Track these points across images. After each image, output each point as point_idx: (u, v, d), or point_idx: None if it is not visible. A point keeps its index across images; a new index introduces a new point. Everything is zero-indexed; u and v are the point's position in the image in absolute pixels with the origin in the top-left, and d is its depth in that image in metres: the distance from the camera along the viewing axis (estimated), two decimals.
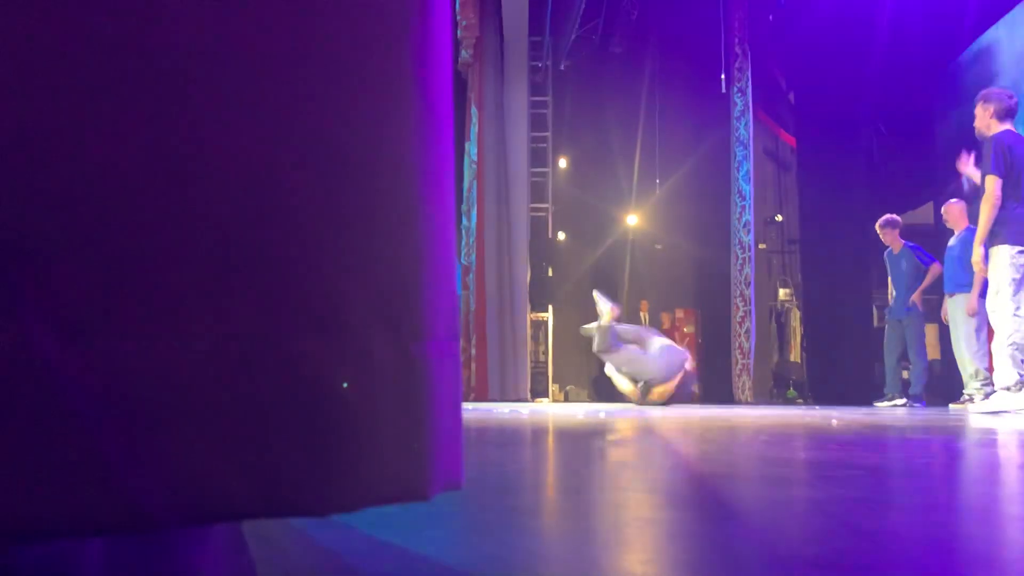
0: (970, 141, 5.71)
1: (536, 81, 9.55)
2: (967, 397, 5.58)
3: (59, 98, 0.36)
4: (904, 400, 6.39)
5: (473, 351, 8.33)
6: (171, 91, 0.39)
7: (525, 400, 8.46)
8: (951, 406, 5.84)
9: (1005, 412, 4.06)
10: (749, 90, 8.79)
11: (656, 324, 10.69)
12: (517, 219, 8.82)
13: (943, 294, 5.94)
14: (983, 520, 0.85)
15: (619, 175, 11.14)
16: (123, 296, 0.37)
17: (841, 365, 8.61)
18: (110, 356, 0.36)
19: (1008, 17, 7.08)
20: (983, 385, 5.19)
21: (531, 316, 8.98)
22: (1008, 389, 4.09)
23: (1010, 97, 4.42)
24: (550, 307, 9.14)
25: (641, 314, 10.70)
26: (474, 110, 8.70)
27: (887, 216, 6.52)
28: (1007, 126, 4.32)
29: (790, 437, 2.20)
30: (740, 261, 8.70)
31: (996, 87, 4.69)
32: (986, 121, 4.34)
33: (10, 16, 0.36)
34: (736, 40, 8.85)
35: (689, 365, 6.48)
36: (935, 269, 6.15)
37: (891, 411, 5.08)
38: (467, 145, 8.69)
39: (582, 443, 2.04)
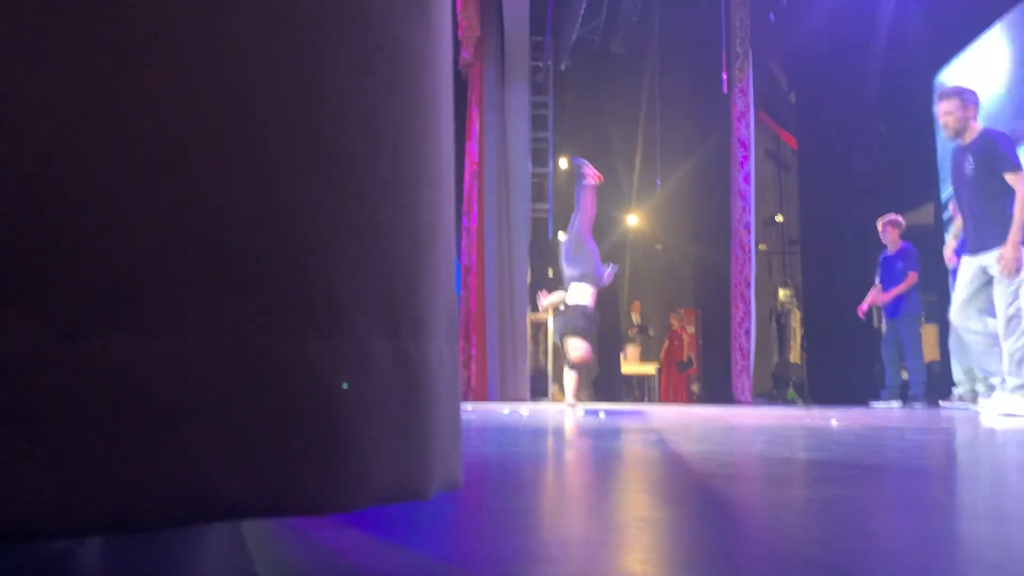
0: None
1: (537, 81, 9.55)
2: (958, 396, 5.60)
3: (59, 97, 0.36)
4: (900, 402, 6.39)
5: (473, 351, 8.33)
6: (173, 91, 0.39)
7: (525, 400, 8.45)
8: (942, 403, 5.85)
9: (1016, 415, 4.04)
10: (750, 90, 8.78)
11: (663, 324, 10.71)
12: (517, 219, 8.82)
13: (939, 296, 5.95)
14: (984, 520, 0.85)
15: (619, 175, 11.14)
16: (123, 296, 0.37)
17: (841, 366, 8.60)
18: (110, 356, 0.36)
19: (1007, 17, 7.09)
20: (989, 388, 5.18)
21: (531, 317, 8.98)
22: None
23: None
24: (550, 308, 9.14)
25: (633, 315, 10.72)
26: (474, 110, 8.70)
27: (892, 216, 6.54)
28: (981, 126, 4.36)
29: (790, 439, 2.20)
30: (740, 261, 8.69)
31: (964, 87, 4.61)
32: (968, 120, 4.30)
33: (8, 16, 0.36)
34: (737, 40, 8.85)
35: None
36: (912, 277, 6.23)
37: (887, 411, 5.08)
38: (467, 145, 8.69)
39: (581, 443, 2.04)
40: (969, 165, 4.32)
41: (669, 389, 10.49)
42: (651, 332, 10.82)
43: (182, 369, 0.38)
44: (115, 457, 0.36)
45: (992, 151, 4.23)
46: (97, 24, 0.37)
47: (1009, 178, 4.16)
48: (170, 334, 0.38)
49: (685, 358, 10.64)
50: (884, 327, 6.66)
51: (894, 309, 6.41)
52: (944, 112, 4.34)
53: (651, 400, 10.30)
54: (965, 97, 4.32)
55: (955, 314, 4.53)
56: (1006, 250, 4.15)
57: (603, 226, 11.14)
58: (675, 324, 10.60)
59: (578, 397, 6.21)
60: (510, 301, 8.65)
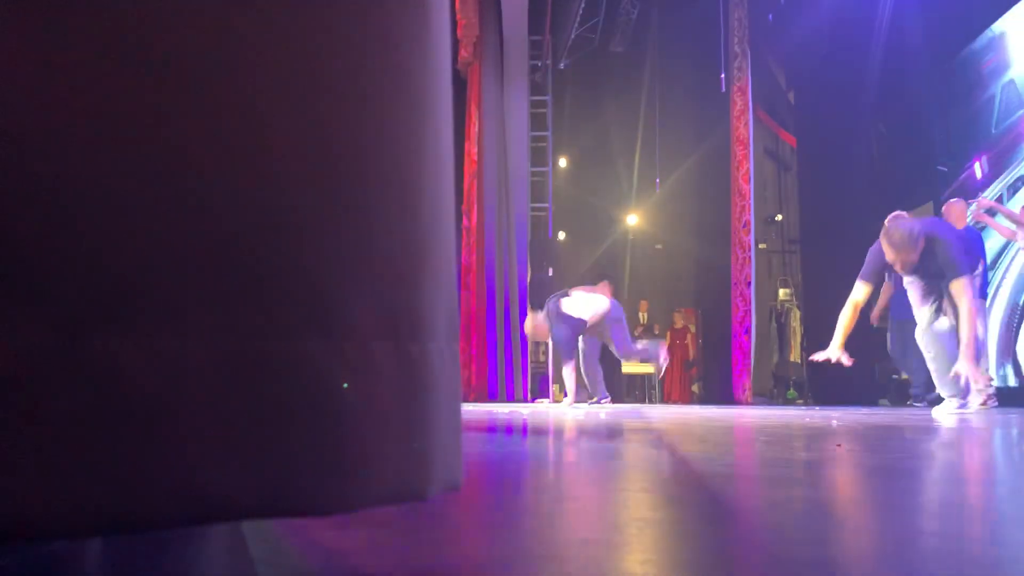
0: (969, 141, 5.58)
1: (535, 80, 9.55)
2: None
3: (59, 97, 0.36)
4: (920, 398, 6.35)
5: (473, 351, 8.33)
6: (172, 91, 0.39)
7: (525, 400, 8.46)
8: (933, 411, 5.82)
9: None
10: (749, 89, 8.78)
11: (666, 323, 10.72)
12: (517, 219, 8.82)
13: None
14: (984, 520, 0.85)
15: (619, 175, 11.15)
16: (123, 296, 0.37)
17: (841, 366, 8.60)
18: (110, 356, 0.36)
19: (1007, 16, 7.10)
20: (985, 386, 5.19)
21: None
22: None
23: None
24: None
25: (640, 314, 10.73)
26: (473, 109, 8.70)
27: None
28: None
29: (790, 438, 2.20)
30: (740, 261, 8.70)
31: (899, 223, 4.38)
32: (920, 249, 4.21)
33: (11, 16, 0.36)
34: (735, 39, 8.85)
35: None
36: None
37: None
38: (467, 145, 8.69)
39: (582, 443, 2.04)
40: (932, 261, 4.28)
41: (672, 389, 10.48)
42: (656, 331, 10.84)
43: (182, 369, 0.38)
44: (115, 457, 0.36)
45: (942, 256, 4.15)
46: (97, 25, 0.37)
47: (954, 287, 4.10)
48: (170, 334, 0.38)
49: (691, 356, 10.65)
50: (889, 328, 6.64)
51: (904, 310, 6.40)
52: (903, 262, 4.23)
53: (652, 400, 10.30)
54: (915, 235, 4.19)
55: (921, 335, 4.58)
56: (964, 370, 4.07)
57: (603, 226, 11.17)
58: (679, 323, 10.61)
59: (578, 398, 6.29)
60: (510, 301, 8.65)
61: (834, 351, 4.52)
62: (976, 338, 4.15)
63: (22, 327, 0.35)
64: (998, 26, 7.59)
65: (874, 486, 1.14)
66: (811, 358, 4.71)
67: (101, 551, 0.46)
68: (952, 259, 4.13)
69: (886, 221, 4.39)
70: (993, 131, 7.65)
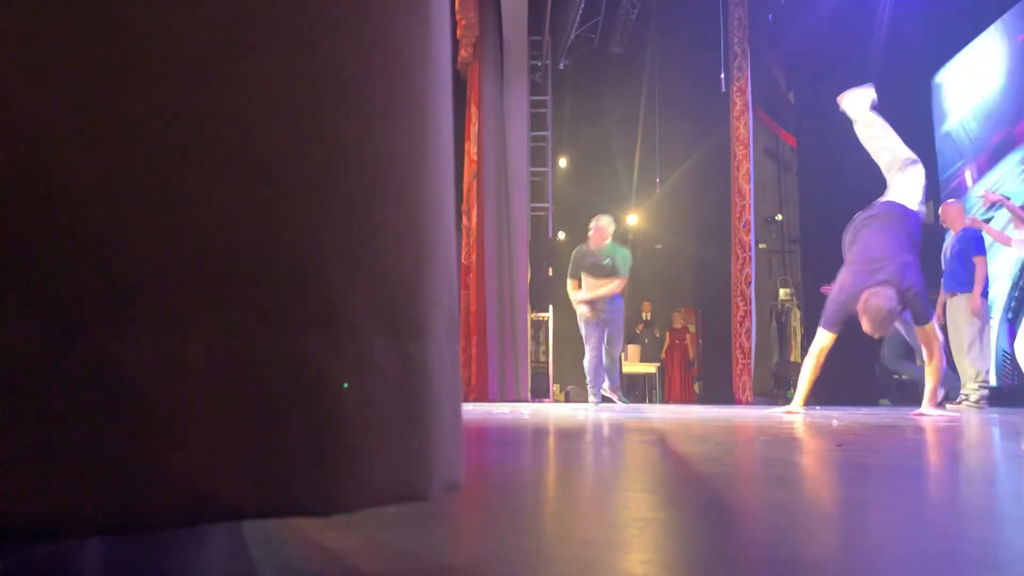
0: (968, 141, 5.58)
1: (536, 81, 9.55)
2: (963, 396, 5.57)
3: (59, 96, 0.36)
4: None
5: (473, 351, 8.33)
6: (173, 91, 0.39)
7: (525, 400, 8.46)
8: (948, 406, 5.81)
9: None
10: (749, 89, 8.77)
11: (666, 324, 10.73)
12: (517, 219, 8.81)
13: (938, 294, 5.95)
14: (983, 521, 0.85)
15: (619, 175, 11.15)
16: (123, 296, 0.37)
17: (841, 366, 8.59)
18: (110, 356, 0.36)
19: (1005, 17, 7.11)
20: (980, 387, 5.21)
21: (531, 316, 8.98)
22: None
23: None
24: (550, 307, 9.15)
25: (643, 314, 10.73)
26: (474, 109, 8.70)
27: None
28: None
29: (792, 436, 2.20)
30: (740, 261, 8.69)
31: None
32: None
33: (11, 16, 0.36)
34: (735, 39, 8.84)
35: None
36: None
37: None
38: (467, 145, 8.69)
39: (582, 443, 2.04)
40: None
41: (672, 388, 10.48)
42: (657, 333, 10.85)
43: (182, 369, 0.38)
44: (115, 457, 0.36)
45: (916, 305, 4.25)
46: (99, 25, 0.37)
47: (924, 331, 4.26)
48: (170, 334, 0.38)
49: (691, 356, 10.65)
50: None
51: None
52: (880, 335, 4.35)
53: (652, 400, 10.30)
54: (894, 311, 4.19)
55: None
56: (928, 413, 4.18)
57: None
58: (679, 322, 10.61)
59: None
60: (510, 301, 8.64)
61: (796, 407, 4.54)
62: (938, 386, 4.27)
63: (21, 327, 0.35)
64: (937, 78, 7.78)
65: (873, 486, 1.14)
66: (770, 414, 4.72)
67: (101, 551, 0.46)
68: (925, 308, 4.22)
69: (865, 294, 4.28)
70: (939, 179, 7.85)
